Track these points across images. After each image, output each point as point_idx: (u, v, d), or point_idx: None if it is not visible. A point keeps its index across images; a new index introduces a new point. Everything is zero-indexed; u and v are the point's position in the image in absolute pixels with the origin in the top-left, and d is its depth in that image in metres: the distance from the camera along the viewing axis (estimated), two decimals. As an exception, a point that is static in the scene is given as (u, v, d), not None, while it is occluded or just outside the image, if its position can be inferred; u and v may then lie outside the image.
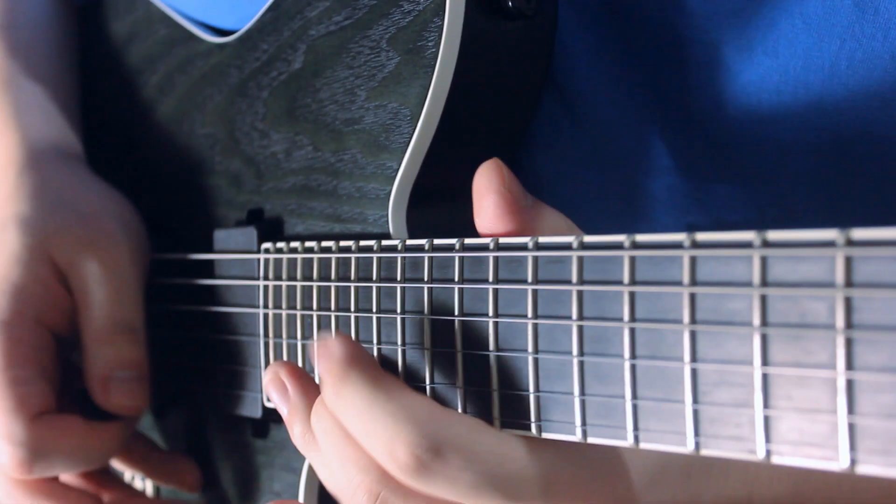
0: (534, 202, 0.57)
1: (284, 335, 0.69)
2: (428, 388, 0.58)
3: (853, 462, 0.40)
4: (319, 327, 0.66)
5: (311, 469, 0.70)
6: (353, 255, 0.63)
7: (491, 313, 0.54)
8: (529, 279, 0.52)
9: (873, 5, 0.58)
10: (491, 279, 0.54)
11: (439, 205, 0.64)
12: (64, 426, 0.74)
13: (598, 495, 0.55)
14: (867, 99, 0.59)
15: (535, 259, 0.52)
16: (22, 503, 0.76)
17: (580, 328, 0.50)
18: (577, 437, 0.51)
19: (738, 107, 0.64)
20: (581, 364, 0.50)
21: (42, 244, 0.76)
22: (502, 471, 0.52)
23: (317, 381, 0.61)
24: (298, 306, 0.67)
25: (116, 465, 0.84)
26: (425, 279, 0.58)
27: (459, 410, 0.56)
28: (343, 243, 0.64)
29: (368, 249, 0.62)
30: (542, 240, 0.52)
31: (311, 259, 0.66)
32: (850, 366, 0.40)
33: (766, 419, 0.43)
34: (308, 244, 0.66)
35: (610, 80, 0.68)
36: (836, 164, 0.62)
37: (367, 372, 0.55)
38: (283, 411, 0.63)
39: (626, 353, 0.48)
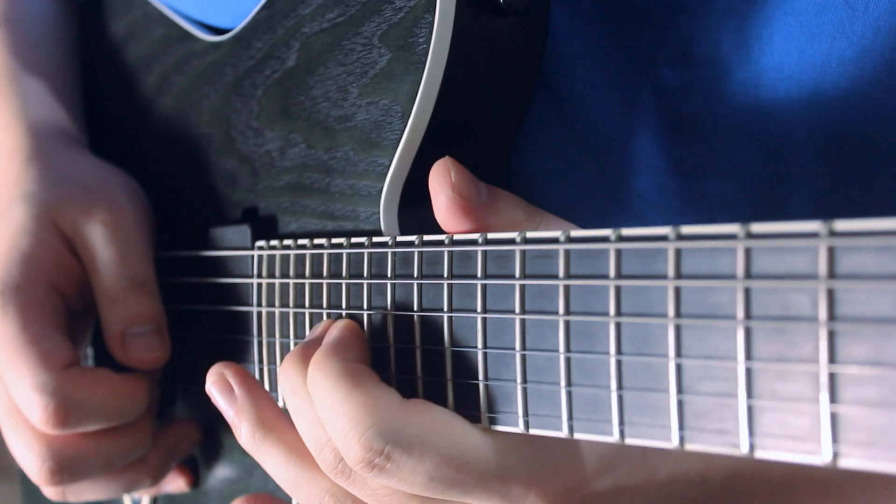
0: (489, 195, 0.57)
1: (277, 334, 0.69)
2: (420, 381, 0.58)
3: (836, 455, 0.40)
4: (311, 325, 0.66)
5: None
6: (344, 252, 0.63)
7: (479, 309, 0.54)
8: (517, 274, 0.52)
9: (863, 3, 0.58)
10: (479, 275, 0.54)
11: (431, 201, 0.64)
12: (93, 375, 0.74)
13: (552, 486, 0.55)
14: (858, 97, 0.59)
15: (523, 254, 0.52)
16: (63, 463, 0.74)
17: (567, 323, 0.50)
18: (563, 432, 0.51)
19: (732, 105, 0.64)
20: (568, 360, 0.50)
21: (47, 213, 0.77)
22: (457, 470, 0.53)
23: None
24: (291, 304, 0.67)
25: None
26: (415, 275, 0.58)
27: (449, 406, 0.56)
28: (335, 240, 0.64)
29: (359, 246, 0.62)
30: (529, 234, 0.52)
31: (304, 256, 0.66)
32: (832, 359, 0.40)
33: (750, 413, 0.43)
34: (301, 241, 0.66)
35: (601, 80, 0.68)
36: (828, 162, 0.62)
37: (342, 362, 0.57)
38: (229, 413, 0.64)
39: (613, 349, 0.48)
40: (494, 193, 0.57)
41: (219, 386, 0.65)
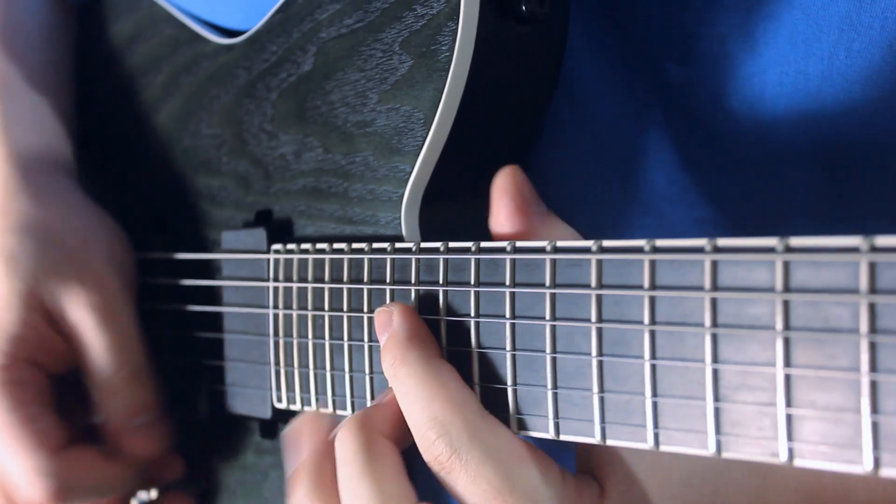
0: (546, 212, 0.59)
1: (295, 334, 0.69)
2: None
3: (877, 463, 0.41)
4: (331, 328, 0.66)
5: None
6: (365, 257, 0.63)
7: (508, 315, 0.55)
8: (547, 283, 0.53)
9: None
10: (508, 282, 0.55)
11: (452, 206, 0.65)
12: (86, 457, 0.76)
13: None
14: (865, 88, 0.59)
15: (553, 262, 0.53)
16: None
17: (599, 330, 0.51)
18: (595, 437, 0.52)
19: (740, 99, 0.64)
20: (600, 364, 0.51)
21: (31, 290, 0.76)
22: (517, 485, 0.53)
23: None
24: (310, 307, 0.68)
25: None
26: (440, 282, 0.59)
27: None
28: (355, 245, 0.64)
29: (382, 251, 0.62)
30: (559, 243, 0.53)
31: (323, 260, 0.66)
32: (873, 368, 0.41)
33: (789, 421, 0.44)
34: (319, 245, 0.67)
35: (612, 74, 0.69)
36: (836, 155, 0.62)
37: (422, 357, 0.57)
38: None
39: (647, 355, 0.49)
40: (551, 215, 0.59)
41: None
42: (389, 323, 0.59)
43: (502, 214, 0.59)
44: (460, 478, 0.54)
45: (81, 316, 0.76)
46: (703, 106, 0.66)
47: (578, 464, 0.59)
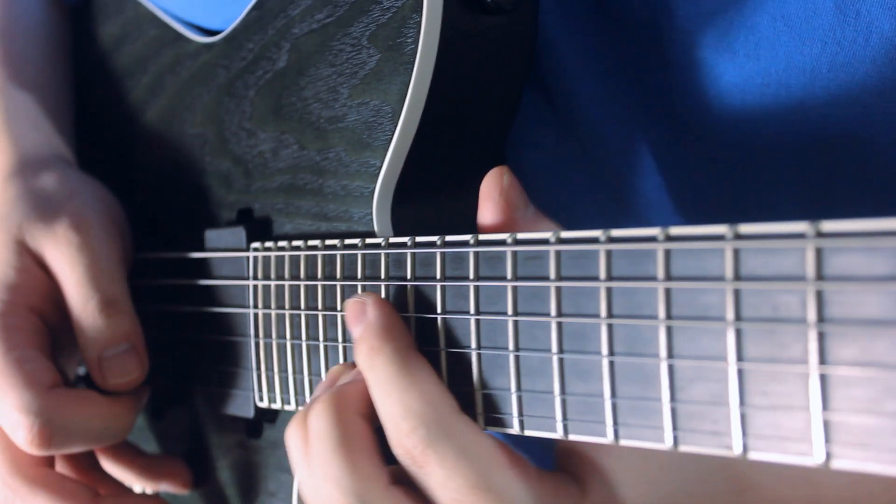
0: (535, 214, 0.57)
1: (274, 335, 0.69)
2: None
3: (828, 456, 0.40)
4: (308, 327, 0.66)
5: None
6: (338, 253, 0.62)
7: (472, 311, 0.54)
8: (509, 276, 0.52)
9: (854, 8, 0.57)
10: (472, 276, 0.54)
11: (424, 201, 0.64)
12: (78, 397, 0.74)
13: None
14: (848, 103, 0.59)
15: (515, 255, 0.52)
16: (21, 496, 0.76)
17: (559, 325, 0.50)
18: (558, 433, 0.51)
19: (722, 108, 0.63)
20: (561, 361, 0.50)
21: (15, 236, 0.77)
22: (493, 482, 0.52)
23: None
24: (287, 305, 0.67)
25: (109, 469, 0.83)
26: (408, 276, 0.58)
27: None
28: (329, 242, 0.63)
29: (353, 247, 0.62)
30: (520, 235, 0.52)
31: (298, 257, 0.66)
32: (822, 360, 0.40)
33: (743, 414, 0.43)
34: (295, 243, 0.66)
35: (596, 80, 0.68)
36: (818, 166, 0.62)
37: (398, 349, 0.56)
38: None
39: (605, 350, 0.48)
40: (540, 216, 0.57)
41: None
42: (363, 314, 0.58)
43: (486, 218, 0.58)
44: (434, 472, 0.53)
45: (58, 251, 0.76)
46: (686, 113, 0.65)
47: (558, 463, 0.58)
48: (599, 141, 0.68)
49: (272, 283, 0.68)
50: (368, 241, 0.61)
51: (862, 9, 0.57)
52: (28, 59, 0.89)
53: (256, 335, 0.71)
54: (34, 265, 0.77)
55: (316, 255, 0.64)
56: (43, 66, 0.90)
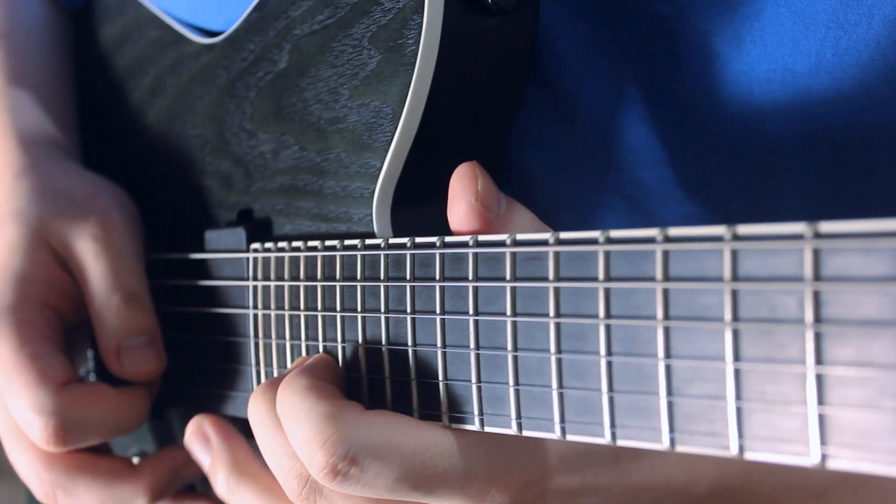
0: (507, 207, 0.57)
1: (273, 335, 0.69)
2: (413, 383, 0.58)
3: (824, 457, 0.40)
4: (307, 327, 0.66)
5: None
6: (337, 254, 0.63)
7: (471, 311, 0.54)
8: (508, 276, 0.52)
9: None
10: (471, 277, 0.54)
11: (424, 202, 0.64)
12: (91, 392, 0.75)
13: (512, 480, 0.55)
14: (853, 86, 0.59)
15: (514, 256, 0.52)
16: (62, 487, 0.76)
17: (557, 325, 0.50)
18: (556, 434, 0.51)
19: (728, 96, 0.63)
20: (559, 362, 0.50)
21: (37, 231, 0.77)
22: (421, 469, 0.54)
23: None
24: (287, 306, 0.67)
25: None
26: (408, 277, 0.58)
27: (443, 408, 0.56)
28: (328, 242, 0.64)
29: (352, 248, 0.62)
30: (519, 236, 0.52)
31: (298, 258, 0.66)
32: (819, 360, 0.40)
33: (739, 415, 0.43)
34: (295, 244, 0.66)
35: (599, 74, 0.68)
36: (824, 152, 0.62)
37: (309, 379, 0.58)
38: (205, 462, 0.68)
39: (603, 350, 0.48)
40: (512, 206, 0.57)
41: (196, 437, 0.69)
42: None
43: (461, 223, 0.57)
44: (355, 484, 0.54)
45: (84, 245, 0.77)
46: (691, 103, 0.65)
47: None
48: (604, 136, 0.68)
49: (272, 284, 0.69)
50: (368, 241, 0.61)
51: None
52: (30, 58, 0.89)
53: (256, 336, 0.71)
54: (51, 260, 0.77)
55: (315, 256, 0.64)
56: (45, 66, 0.90)
